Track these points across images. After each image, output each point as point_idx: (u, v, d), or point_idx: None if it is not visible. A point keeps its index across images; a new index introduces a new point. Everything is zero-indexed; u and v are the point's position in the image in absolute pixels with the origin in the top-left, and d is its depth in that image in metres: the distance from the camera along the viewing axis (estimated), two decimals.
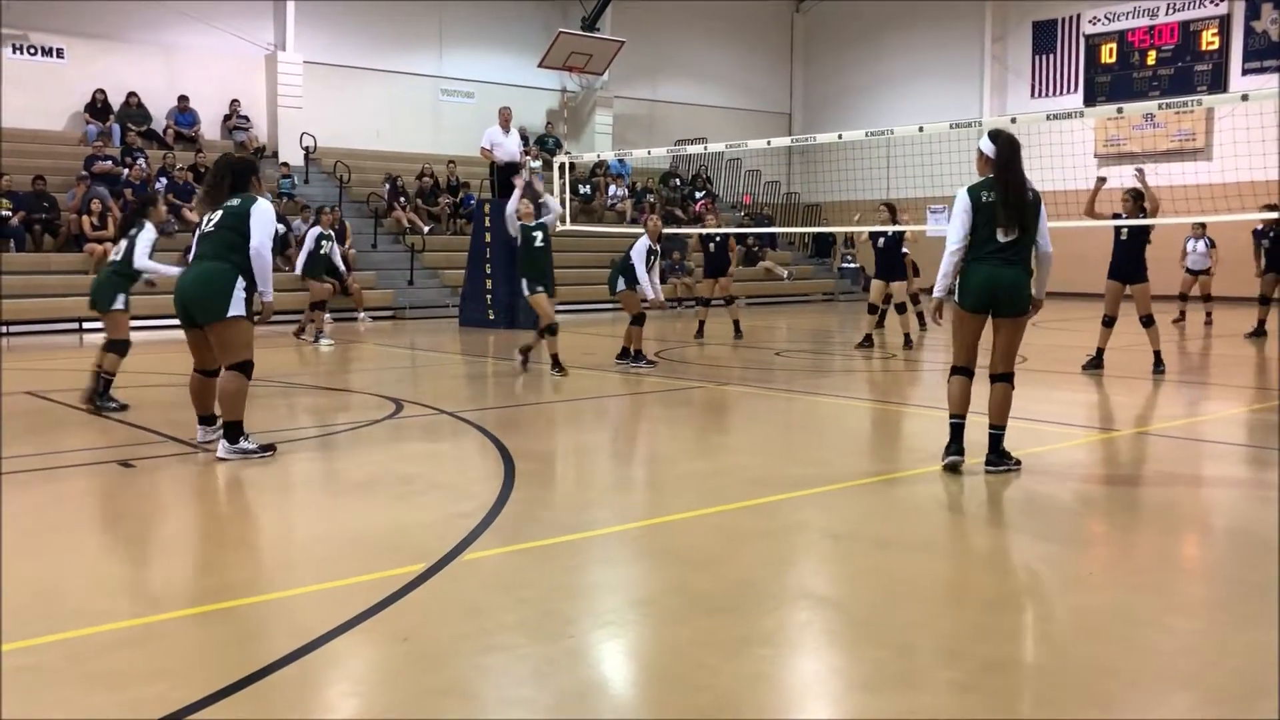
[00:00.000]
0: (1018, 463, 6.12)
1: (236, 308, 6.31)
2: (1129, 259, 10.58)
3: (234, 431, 6.38)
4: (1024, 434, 6.77)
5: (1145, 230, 10.58)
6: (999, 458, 6.06)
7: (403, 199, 21.81)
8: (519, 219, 10.88)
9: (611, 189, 25.58)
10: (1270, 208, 14.87)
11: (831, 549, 4.72)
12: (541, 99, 27.19)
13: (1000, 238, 5.89)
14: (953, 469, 6.03)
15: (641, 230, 11.85)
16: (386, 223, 21.43)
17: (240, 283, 6.33)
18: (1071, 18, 26.34)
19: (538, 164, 19.14)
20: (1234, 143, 15.77)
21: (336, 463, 6.65)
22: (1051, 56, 26.89)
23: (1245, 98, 11.13)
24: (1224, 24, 23.82)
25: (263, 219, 6.40)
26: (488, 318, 16.82)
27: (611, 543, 4.79)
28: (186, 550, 4.87)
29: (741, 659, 3.38)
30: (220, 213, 6.47)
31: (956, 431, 6.06)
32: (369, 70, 24.30)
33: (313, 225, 15.62)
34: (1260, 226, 14.88)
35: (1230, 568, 4.48)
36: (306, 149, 22.48)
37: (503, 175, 16.96)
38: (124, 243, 8.35)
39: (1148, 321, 10.53)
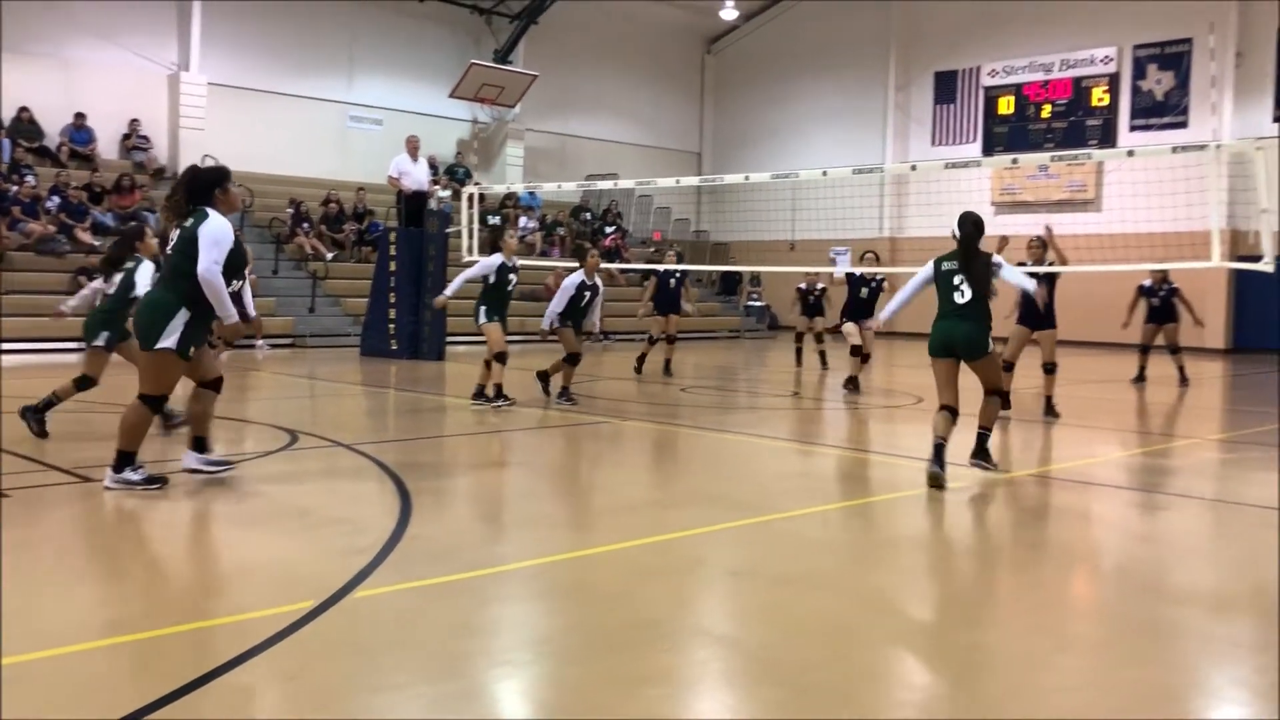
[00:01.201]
0: (995, 465, 7.36)
1: (168, 339, 6.03)
2: (1035, 307, 10.74)
3: (122, 461, 6.14)
4: (919, 474, 6.90)
5: (1053, 278, 10.82)
6: (982, 455, 7.36)
7: (306, 225, 21.47)
8: (503, 254, 10.46)
9: (522, 221, 25.55)
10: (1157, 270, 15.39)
11: (731, 586, 4.73)
12: (452, 129, 27.10)
13: (957, 300, 7.12)
14: (933, 480, 6.78)
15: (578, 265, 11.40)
16: (289, 248, 21.05)
17: (182, 315, 6.04)
18: (971, 70, 27.26)
19: (446, 193, 19.02)
20: (1120, 195, 16.43)
21: (228, 495, 6.45)
22: (952, 106, 27.77)
23: (1131, 153, 11.62)
24: (1113, 82, 24.90)
25: (210, 238, 6.02)
26: (390, 347, 16.60)
27: (509, 580, 4.73)
28: (67, 585, 4.66)
29: (638, 699, 3.35)
30: (177, 233, 6.19)
31: (938, 449, 6.86)
32: (276, 94, 23.94)
33: None
34: (1148, 283, 15.33)
35: (1115, 606, 4.61)
36: None
37: (410, 204, 16.81)
38: (117, 277, 8.06)
39: (1050, 369, 10.72)
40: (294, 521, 5.60)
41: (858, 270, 13.25)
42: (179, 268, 6.10)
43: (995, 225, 11.90)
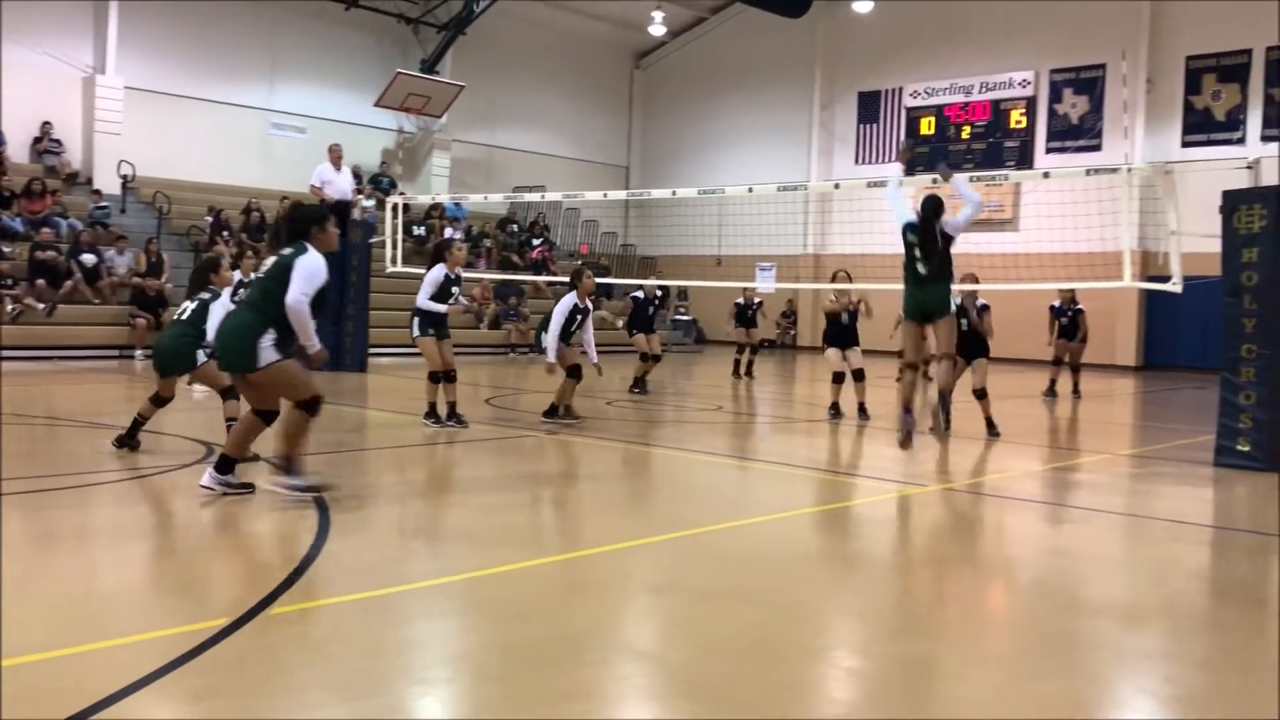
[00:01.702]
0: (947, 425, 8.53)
1: (268, 354, 6.19)
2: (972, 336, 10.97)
3: (288, 466, 6.32)
4: (841, 488, 6.97)
5: (984, 309, 11.19)
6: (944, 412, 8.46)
7: (226, 233, 21.04)
8: (447, 266, 10.04)
9: (447, 231, 25.34)
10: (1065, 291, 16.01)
11: (653, 602, 4.72)
12: (377, 138, 26.83)
13: (921, 270, 8.28)
14: (904, 444, 8.27)
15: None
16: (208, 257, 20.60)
17: (270, 334, 6.21)
18: (894, 90, 27.76)
19: (370, 203, 18.80)
20: (1036, 216, 16.83)
21: (140, 509, 6.28)
22: (875, 126, 28.24)
23: (1047, 175, 11.92)
24: (1030, 105, 25.55)
25: (304, 271, 6.25)
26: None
27: (429, 596, 4.67)
28: None
29: (557, 715, 3.32)
30: (272, 260, 6.47)
31: (908, 409, 8.25)
32: (195, 99, 23.46)
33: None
34: (1057, 303, 15.94)
35: (1029, 619, 4.70)
36: (124, 177, 21.47)
37: (333, 214, 16.55)
38: (190, 306, 8.12)
39: (981, 394, 10.91)
40: (207, 536, 5.47)
41: (836, 288, 12.62)
42: (269, 292, 6.27)
43: None
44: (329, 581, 4.70)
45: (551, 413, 10.57)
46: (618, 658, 3.97)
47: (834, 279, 12.68)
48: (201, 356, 8.04)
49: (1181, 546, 6.19)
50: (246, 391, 6.49)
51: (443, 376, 9.95)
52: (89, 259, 18.06)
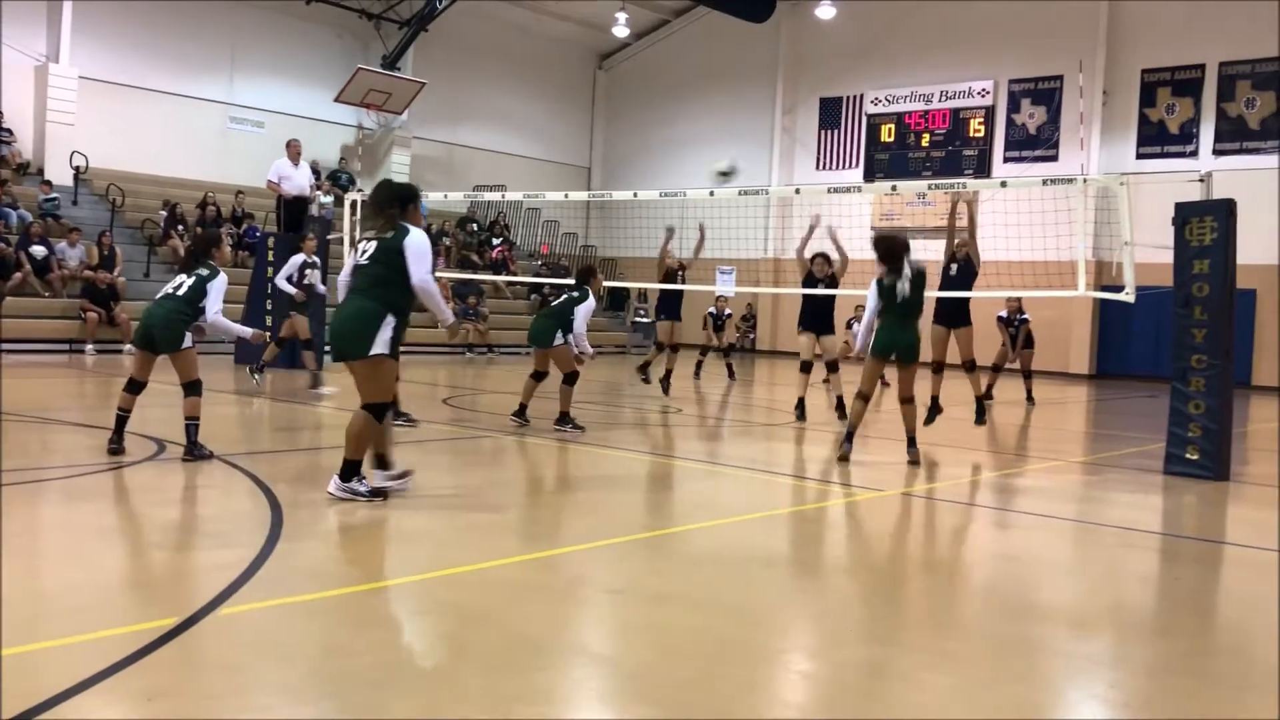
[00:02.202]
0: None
1: (379, 347, 6.17)
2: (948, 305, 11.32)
3: (349, 471, 6.29)
4: (797, 492, 7.00)
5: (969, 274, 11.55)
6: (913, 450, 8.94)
7: (180, 227, 20.77)
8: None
9: None
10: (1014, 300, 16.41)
11: (609, 604, 4.71)
12: (336, 134, 26.61)
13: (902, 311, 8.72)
14: (843, 459, 8.75)
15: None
16: (161, 251, 20.34)
17: (389, 321, 6.19)
18: (855, 97, 27.97)
19: (329, 199, 18.63)
20: (994, 225, 17.03)
21: (88, 505, 6.17)
22: (836, 132, 28.43)
23: (1004, 184, 12.04)
24: (989, 115, 25.84)
25: (416, 251, 6.21)
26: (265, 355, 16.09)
27: (384, 597, 4.63)
28: None
29: (510, 717, 3.30)
30: (374, 245, 6.30)
31: (849, 436, 8.92)
32: (152, 91, 23.14)
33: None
34: (1004, 313, 16.39)
35: (980, 624, 4.74)
36: (77, 169, 21.13)
37: (290, 210, 16.40)
38: (187, 281, 7.63)
39: (970, 366, 11.35)
40: (158, 534, 5.39)
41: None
42: (380, 277, 6.22)
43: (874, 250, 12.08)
44: (281, 581, 4.64)
45: (563, 421, 10.21)
46: (573, 660, 3.96)
47: (813, 263, 12.10)
48: (188, 339, 7.60)
49: (1131, 553, 6.28)
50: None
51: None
52: (39, 251, 17.75)
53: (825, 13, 27.19)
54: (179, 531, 5.52)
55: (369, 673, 3.69)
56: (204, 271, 7.72)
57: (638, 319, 29.08)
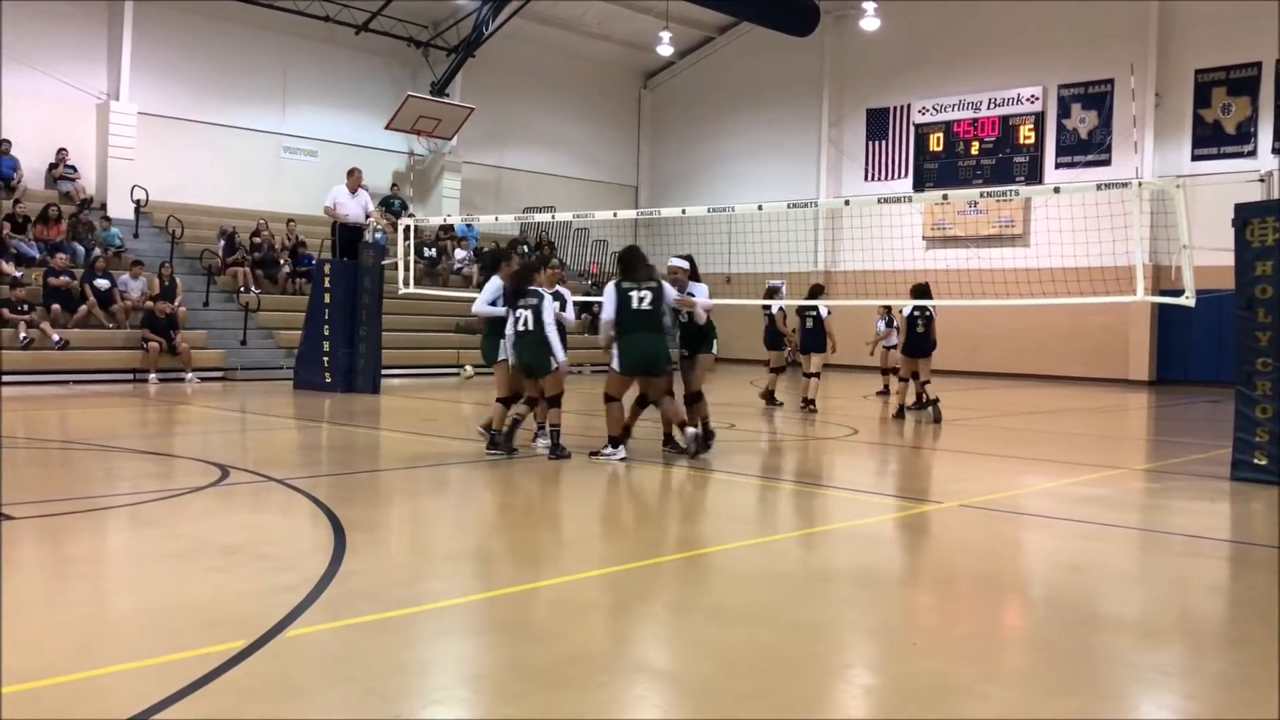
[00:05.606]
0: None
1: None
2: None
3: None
4: (851, 506, 6.95)
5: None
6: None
7: (238, 255, 21.16)
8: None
9: (458, 253, 25.46)
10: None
11: (667, 620, 4.71)
12: (388, 160, 26.97)
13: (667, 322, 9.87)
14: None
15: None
16: (220, 280, 20.73)
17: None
18: (902, 107, 27.80)
19: (380, 233, 18.85)
20: (1047, 231, 16.81)
21: (154, 531, 6.30)
22: (884, 143, 28.27)
23: (1057, 190, 11.90)
24: (1039, 120, 25.55)
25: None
26: (324, 380, 16.35)
27: (445, 617, 4.66)
28: None
29: None
30: (647, 293, 9.15)
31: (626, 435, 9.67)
32: (208, 124, 23.65)
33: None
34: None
35: (1043, 636, 4.67)
36: (138, 202, 21.63)
37: (344, 236, 16.64)
38: (528, 315, 9.01)
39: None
40: (223, 559, 5.48)
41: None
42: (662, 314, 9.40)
43: (928, 260, 12.08)
44: (345, 603, 4.70)
45: (622, 437, 9.74)
46: (634, 677, 3.96)
47: (811, 293, 14.31)
48: (501, 353, 9.40)
49: (1199, 561, 6.15)
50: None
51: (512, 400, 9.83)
52: (102, 284, 18.18)
53: (869, 24, 27.08)
54: (244, 555, 5.59)
55: (432, 692, 3.73)
56: (534, 301, 9.11)
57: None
